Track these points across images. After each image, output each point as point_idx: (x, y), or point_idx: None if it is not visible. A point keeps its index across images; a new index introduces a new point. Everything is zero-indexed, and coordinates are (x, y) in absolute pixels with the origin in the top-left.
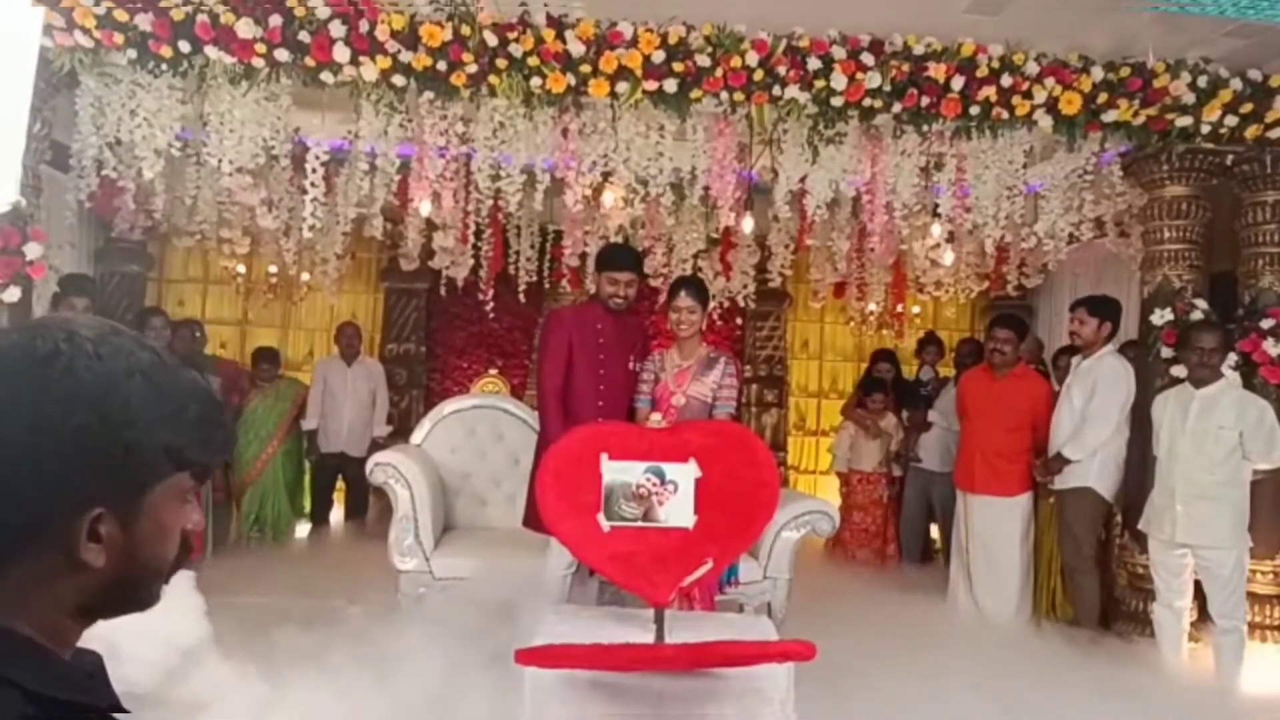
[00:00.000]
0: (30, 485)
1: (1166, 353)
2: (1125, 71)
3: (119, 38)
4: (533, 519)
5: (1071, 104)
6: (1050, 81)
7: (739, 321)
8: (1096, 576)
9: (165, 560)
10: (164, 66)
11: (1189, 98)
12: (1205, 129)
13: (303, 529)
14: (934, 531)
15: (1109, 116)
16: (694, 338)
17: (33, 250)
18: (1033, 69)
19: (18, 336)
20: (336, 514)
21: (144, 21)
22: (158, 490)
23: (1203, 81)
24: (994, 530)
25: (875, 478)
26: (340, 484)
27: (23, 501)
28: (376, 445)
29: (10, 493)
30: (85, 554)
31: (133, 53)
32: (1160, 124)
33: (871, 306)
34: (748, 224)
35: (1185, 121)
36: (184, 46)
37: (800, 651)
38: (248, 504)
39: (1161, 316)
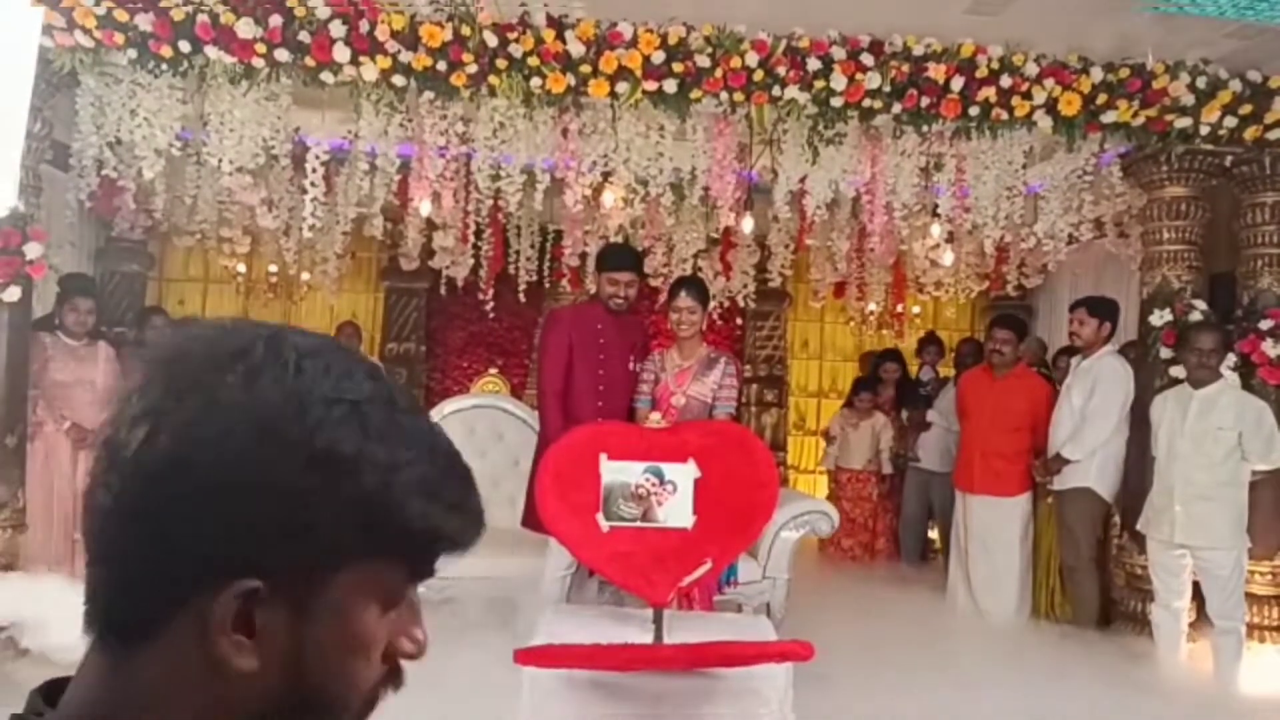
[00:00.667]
0: (179, 531)
1: (1165, 353)
2: (1124, 73)
3: (119, 37)
4: (531, 519)
5: (1071, 105)
6: (1050, 82)
7: (739, 321)
8: (1095, 576)
9: (353, 688)
10: (164, 66)
11: (1188, 99)
12: (1204, 130)
13: None
14: (933, 531)
15: (1108, 117)
16: (694, 338)
17: (33, 250)
18: (1032, 70)
19: (200, 329)
20: None
21: (144, 21)
22: (353, 574)
23: (1202, 83)
24: (993, 530)
25: (865, 476)
26: None
27: (164, 552)
28: None
29: (151, 537)
30: (222, 646)
31: (133, 52)
32: (1159, 125)
33: (871, 306)
34: (747, 224)
35: (1184, 123)
36: (184, 46)
37: (798, 652)
38: None
39: (1160, 317)
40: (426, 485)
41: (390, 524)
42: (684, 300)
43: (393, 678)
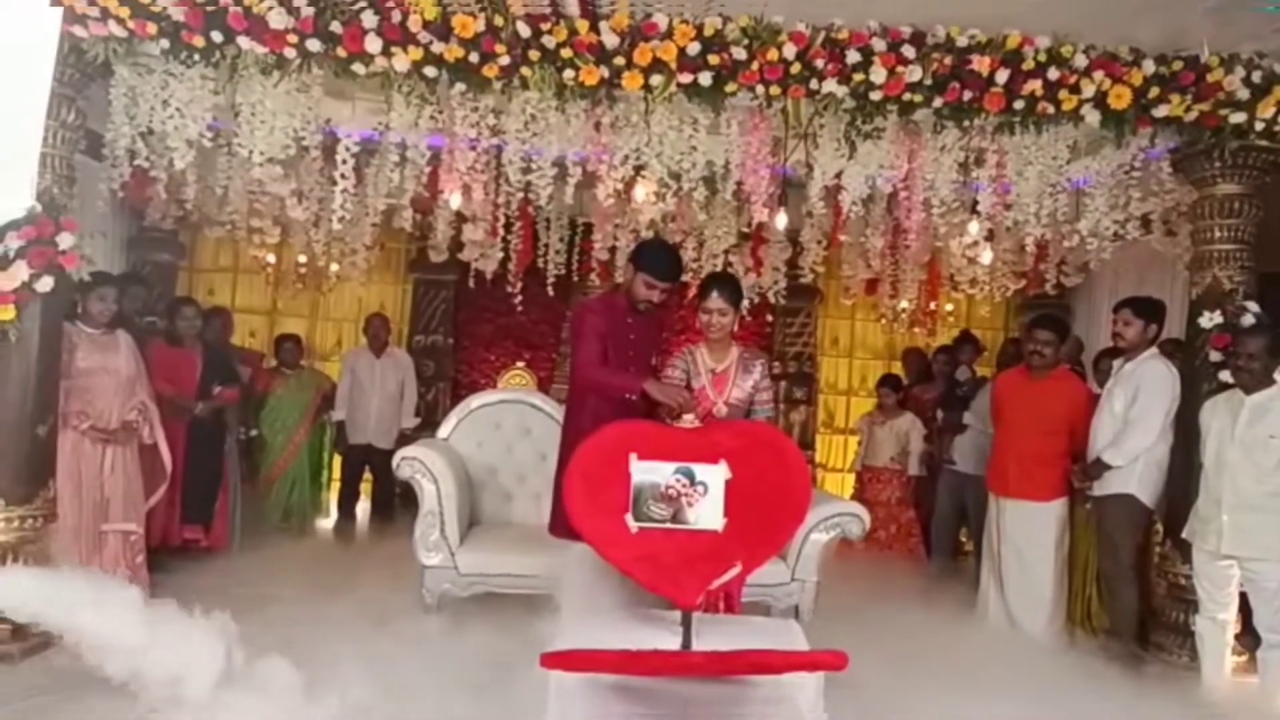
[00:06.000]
0: None
1: (1215, 357)
2: (1178, 65)
3: (152, 28)
4: (560, 527)
5: (1121, 98)
6: (1099, 75)
7: (769, 318)
8: (1135, 586)
9: None
10: (196, 57)
11: (1243, 93)
12: (1259, 126)
13: (329, 521)
14: (963, 534)
15: (1160, 111)
16: (724, 339)
17: (65, 240)
18: (1081, 62)
19: None
20: (363, 505)
21: (177, 11)
22: None
23: (1257, 77)
24: (1027, 536)
25: (888, 475)
26: (367, 475)
27: None
28: (404, 437)
29: None
30: None
31: (165, 43)
32: (1213, 120)
33: (904, 304)
34: (780, 220)
35: (1239, 118)
36: (216, 37)
37: (831, 661)
38: (276, 495)
39: (1210, 319)
40: None
41: None
42: (715, 301)
43: None
